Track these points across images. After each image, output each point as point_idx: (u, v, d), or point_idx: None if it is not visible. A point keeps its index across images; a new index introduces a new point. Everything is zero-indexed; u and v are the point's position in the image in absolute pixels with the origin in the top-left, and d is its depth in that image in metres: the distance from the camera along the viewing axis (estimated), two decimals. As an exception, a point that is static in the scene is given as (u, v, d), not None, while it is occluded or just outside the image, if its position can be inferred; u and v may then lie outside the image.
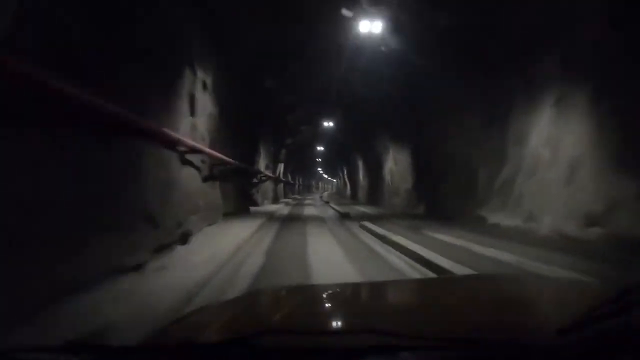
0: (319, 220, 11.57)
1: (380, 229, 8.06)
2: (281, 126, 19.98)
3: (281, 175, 27.25)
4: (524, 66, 8.36)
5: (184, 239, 5.70)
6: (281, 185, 27.98)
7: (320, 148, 30.90)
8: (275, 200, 21.52)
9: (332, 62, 12.44)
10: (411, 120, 14.58)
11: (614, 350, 0.66)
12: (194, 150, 6.22)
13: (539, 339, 0.72)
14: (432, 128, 12.86)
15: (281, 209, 16.74)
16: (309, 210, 16.43)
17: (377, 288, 1.69)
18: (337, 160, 37.89)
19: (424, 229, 8.71)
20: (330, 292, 1.52)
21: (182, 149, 5.82)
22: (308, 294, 1.48)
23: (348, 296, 1.50)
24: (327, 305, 1.37)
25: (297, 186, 46.37)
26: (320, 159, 41.36)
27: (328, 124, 18.93)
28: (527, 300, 1.25)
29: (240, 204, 12.08)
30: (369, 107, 17.84)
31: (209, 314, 1.23)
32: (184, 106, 6.30)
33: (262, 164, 16.67)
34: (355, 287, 1.94)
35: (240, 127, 11.58)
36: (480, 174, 10.54)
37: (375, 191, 22.20)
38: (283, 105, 16.74)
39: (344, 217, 12.50)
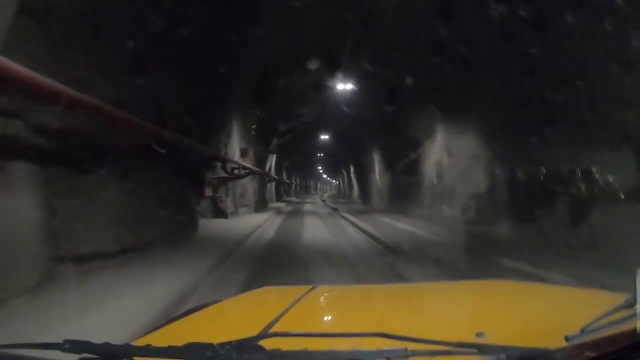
0: (347, 273, 4.73)
1: None
2: (271, 98, 13.41)
3: (272, 172, 20.65)
4: None
5: None
6: (272, 186, 21.36)
7: (324, 137, 24.30)
8: (262, 205, 14.89)
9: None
10: (495, 74, 8.01)
11: (622, 358, 0.64)
12: None
13: (546, 344, 0.68)
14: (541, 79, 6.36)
15: (264, 224, 10.13)
16: (312, 228, 9.73)
17: (382, 291, 1.71)
18: (341, 156, 31.27)
19: None
20: (336, 293, 1.58)
21: None
22: (315, 294, 1.35)
23: (355, 298, 1.51)
24: (334, 306, 1.38)
25: (293, 186, 39.68)
26: (322, 154, 34.67)
27: (344, 86, 12.32)
28: (534, 306, 1.21)
29: (169, 219, 5.53)
30: (402, 66, 11.38)
31: (210, 312, 1.21)
32: None
33: (234, 147, 10.09)
34: (362, 290, 1.95)
35: (166, 52, 5.00)
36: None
37: (404, 195, 15.69)
38: (274, 54, 10.19)
39: (398, 254, 5.81)
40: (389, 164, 18.43)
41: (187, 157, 6.52)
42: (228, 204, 9.72)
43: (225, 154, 9.40)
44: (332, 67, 12.12)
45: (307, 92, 14.84)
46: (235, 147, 10.24)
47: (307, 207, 20.68)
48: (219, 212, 9.50)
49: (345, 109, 17.08)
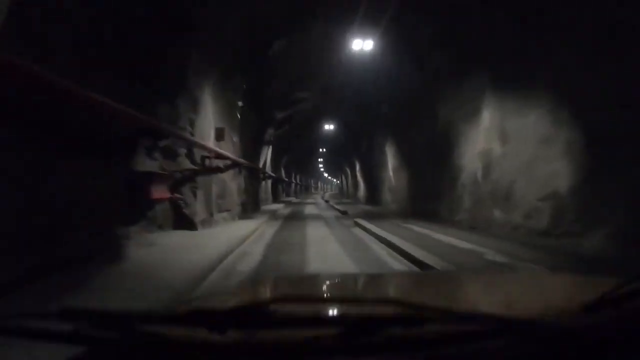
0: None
1: None
2: (265, 67, 10.42)
3: (268, 167, 17.63)
4: None
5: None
6: (268, 184, 18.33)
7: (328, 127, 21.25)
8: (253, 208, 11.86)
9: None
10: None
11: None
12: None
13: (564, 315, 0.67)
14: None
15: (248, 239, 7.12)
16: (320, 245, 6.62)
17: (396, 275, 1.88)
18: (345, 152, 28.23)
19: None
20: (347, 278, 1.66)
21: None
22: (326, 277, 1.46)
23: (368, 278, 1.56)
24: (347, 284, 1.37)
25: (293, 185, 36.63)
26: (324, 149, 31.59)
27: (362, 45, 9.27)
28: (547, 286, 1.19)
29: (37, 247, 2.50)
30: (434, 18, 8.52)
31: (219, 296, 1.17)
32: None
33: (206, 127, 7.07)
34: (372, 276, 1.97)
35: None
36: None
37: (429, 195, 12.72)
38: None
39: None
40: (407, 157, 15.38)
41: (101, 126, 3.53)
42: (197, 208, 6.71)
43: (192, 134, 6.40)
44: (339, 26, 9.15)
45: (309, 64, 11.86)
46: (209, 127, 7.23)
47: (309, 209, 17.66)
48: (183, 221, 6.50)
49: (354, 90, 14.12)
